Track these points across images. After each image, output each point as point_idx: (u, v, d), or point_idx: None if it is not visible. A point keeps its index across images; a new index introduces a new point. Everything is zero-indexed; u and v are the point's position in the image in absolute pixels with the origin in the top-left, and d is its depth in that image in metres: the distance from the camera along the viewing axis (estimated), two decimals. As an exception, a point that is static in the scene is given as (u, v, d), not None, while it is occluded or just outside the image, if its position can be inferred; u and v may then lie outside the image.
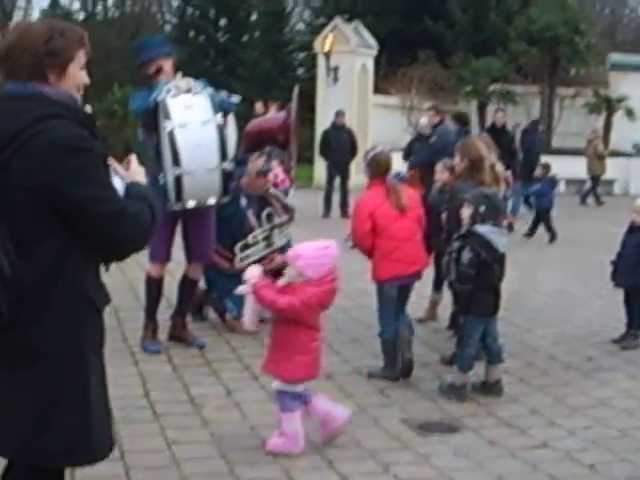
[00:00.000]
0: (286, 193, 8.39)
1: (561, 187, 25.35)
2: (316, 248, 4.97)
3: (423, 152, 12.93)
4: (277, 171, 8.65)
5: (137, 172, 3.25)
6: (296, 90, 8.16)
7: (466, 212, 6.10)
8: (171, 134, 6.46)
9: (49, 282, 2.95)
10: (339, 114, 18.58)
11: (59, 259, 2.95)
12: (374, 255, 6.46)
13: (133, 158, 3.27)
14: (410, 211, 6.42)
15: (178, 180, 6.50)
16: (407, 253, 6.37)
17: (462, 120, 13.25)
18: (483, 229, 6.00)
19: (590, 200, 22.26)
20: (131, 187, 3.16)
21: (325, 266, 4.96)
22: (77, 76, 3.12)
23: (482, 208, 6.03)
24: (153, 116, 6.65)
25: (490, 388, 6.17)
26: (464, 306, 6.12)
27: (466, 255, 5.99)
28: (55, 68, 3.03)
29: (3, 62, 3.02)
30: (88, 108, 3.20)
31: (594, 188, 22.53)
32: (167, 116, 6.51)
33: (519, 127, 20.01)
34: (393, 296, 6.44)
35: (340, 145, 17.98)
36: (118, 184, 3.12)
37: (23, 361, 2.97)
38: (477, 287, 5.99)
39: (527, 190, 15.90)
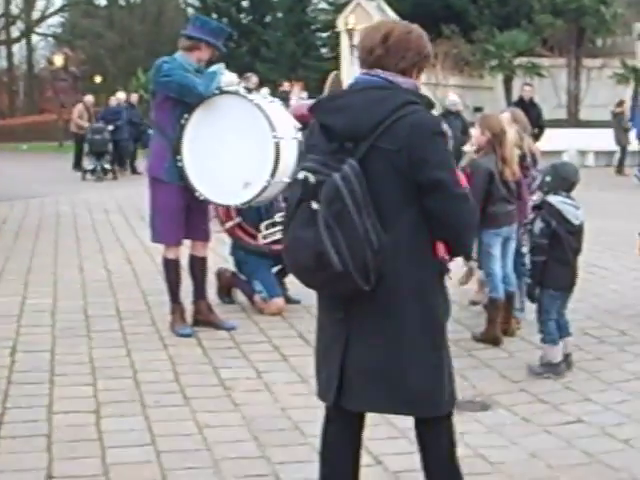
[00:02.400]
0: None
1: (590, 159, 25.24)
2: None
3: None
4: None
5: None
6: (332, 74, 8.21)
7: (536, 182, 6.25)
8: (277, 146, 6.61)
9: (407, 251, 3.30)
10: None
11: (415, 231, 3.30)
12: None
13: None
14: None
15: (264, 189, 6.70)
16: None
17: None
18: (554, 199, 5.97)
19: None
20: None
21: None
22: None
23: (548, 178, 6.05)
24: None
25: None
26: (538, 278, 6.04)
27: (537, 225, 5.98)
28: (421, 69, 3.46)
29: (382, 52, 3.35)
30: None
31: None
32: (272, 127, 6.62)
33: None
34: None
35: None
36: None
37: (385, 325, 3.33)
38: (550, 259, 5.94)
39: None
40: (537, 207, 6.12)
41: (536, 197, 6.32)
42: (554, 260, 5.94)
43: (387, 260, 3.25)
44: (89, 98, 24.61)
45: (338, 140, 3.30)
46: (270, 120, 6.65)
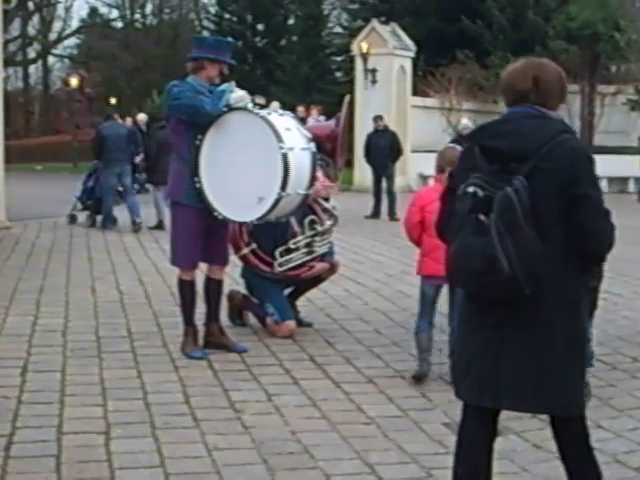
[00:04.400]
0: (327, 198, 8.36)
1: (603, 186, 25.23)
2: None
3: None
4: (318, 175, 8.65)
5: None
6: (347, 99, 8.22)
7: None
8: (285, 157, 6.60)
9: (561, 260, 3.68)
10: (376, 119, 18.52)
11: (567, 242, 3.68)
12: (420, 250, 6.51)
13: None
14: None
15: (277, 202, 6.67)
16: None
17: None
18: None
19: None
20: None
21: None
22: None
23: None
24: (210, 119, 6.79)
25: None
26: None
27: None
28: (562, 103, 3.94)
29: (532, 91, 3.79)
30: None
31: None
32: (278, 138, 6.62)
33: None
34: (429, 294, 6.47)
35: (378, 149, 17.96)
36: None
37: (539, 331, 3.68)
38: None
39: None
40: None
41: None
42: None
43: (545, 268, 3.62)
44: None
45: (502, 161, 3.71)
46: (277, 131, 6.65)
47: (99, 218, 16.10)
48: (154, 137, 16.43)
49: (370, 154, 18.27)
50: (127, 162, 16.21)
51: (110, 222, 15.76)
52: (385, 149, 17.99)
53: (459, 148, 6.66)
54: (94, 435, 5.22)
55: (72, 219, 16.41)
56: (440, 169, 6.44)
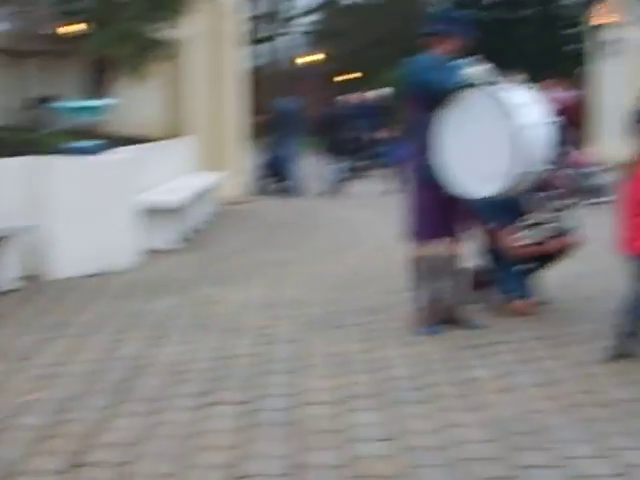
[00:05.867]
0: (588, 175, 8.12)
1: None
2: None
3: None
4: (577, 152, 8.42)
5: None
6: (579, 71, 8.02)
7: None
8: (517, 134, 6.51)
9: None
10: None
11: None
12: None
13: None
14: None
15: (511, 179, 6.59)
16: None
17: None
18: None
19: None
20: None
21: None
22: None
23: None
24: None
25: None
26: None
27: None
28: None
29: None
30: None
31: None
32: (511, 115, 6.53)
33: None
34: None
35: None
36: None
37: None
38: None
39: None
40: None
41: None
42: None
43: None
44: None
45: None
46: (509, 108, 6.51)
47: (287, 186, 18.25)
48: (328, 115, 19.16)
49: None
50: (298, 134, 18.28)
51: (299, 190, 18.03)
52: None
53: None
54: (330, 406, 5.31)
55: (264, 190, 18.21)
56: None
